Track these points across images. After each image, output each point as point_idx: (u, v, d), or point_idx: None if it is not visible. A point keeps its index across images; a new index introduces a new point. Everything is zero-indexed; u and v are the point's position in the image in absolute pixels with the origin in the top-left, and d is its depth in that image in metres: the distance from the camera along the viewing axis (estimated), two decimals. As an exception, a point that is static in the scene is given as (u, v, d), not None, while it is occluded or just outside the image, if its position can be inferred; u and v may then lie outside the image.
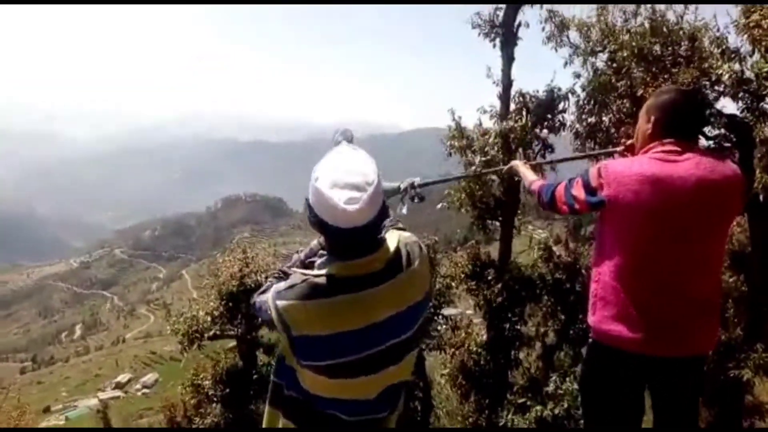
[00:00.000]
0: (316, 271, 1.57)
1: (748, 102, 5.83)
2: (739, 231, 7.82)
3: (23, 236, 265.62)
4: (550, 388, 7.66)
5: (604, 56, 7.25)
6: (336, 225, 1.45)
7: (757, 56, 5.58)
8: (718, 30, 6.02)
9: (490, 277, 8.66)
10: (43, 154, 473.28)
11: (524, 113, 8.17)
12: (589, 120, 7.63)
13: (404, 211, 2.43)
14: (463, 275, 8.86)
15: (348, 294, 1.51)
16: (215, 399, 9.58)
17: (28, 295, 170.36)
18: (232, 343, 9.89)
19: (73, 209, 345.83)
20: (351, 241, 1.51)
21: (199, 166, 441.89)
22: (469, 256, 8.99)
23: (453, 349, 8.99)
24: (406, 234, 1.72)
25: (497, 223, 9.01)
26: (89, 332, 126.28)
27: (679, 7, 6.39)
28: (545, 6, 8.03)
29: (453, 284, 9.04)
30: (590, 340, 2.47)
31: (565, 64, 7.80)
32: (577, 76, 7.67)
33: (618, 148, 2.90)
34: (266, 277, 6.65)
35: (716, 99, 6.01)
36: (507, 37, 8.36)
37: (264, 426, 1.82)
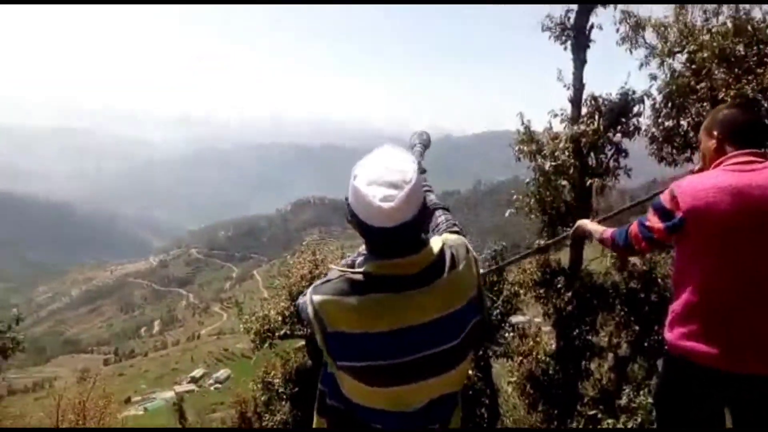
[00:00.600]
0: (354, 269, 1.55)
1: None
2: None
3: (107, 236, 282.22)
4: (623, 401, 7.40)
5: (682, 57, 6.98)
6: (372, 223, 1.44)
7: None
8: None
9: (560, 285, 8.48)
10: (127, 158, 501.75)
11: (596, 117, 7.97)
12: (666, 124, 7.36)
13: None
14: (531, 282, 8.72)
15: (382, 293, 1.48)
16: (285, 397, 9.85)
17: (111, 291, 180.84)
18: (301, 342, 10.14)
19: (153, 210, 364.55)
20: (388, 240, 1.47)
21: (270, 170, 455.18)
22: (538, 263, 8.83)
23: (521, 358, 8.86)
24: (453, 237, 1.66)
25: (568, 229, 8.81)
26: (166, 328, 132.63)
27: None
28: (620, 6, 7.82)
29: (521, 291, 8.91)
30: (666, 355, 2.41)
31: (641, 65, 7.57)
32: (654, 78, 7.42)
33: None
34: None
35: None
36: (579, 39, 8.18)
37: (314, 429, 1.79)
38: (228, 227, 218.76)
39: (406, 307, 1.48)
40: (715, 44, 6.18)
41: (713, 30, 6.35)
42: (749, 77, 5.83)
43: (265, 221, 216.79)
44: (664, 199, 2.20)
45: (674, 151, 7.20)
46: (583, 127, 7.86)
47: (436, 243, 1.56)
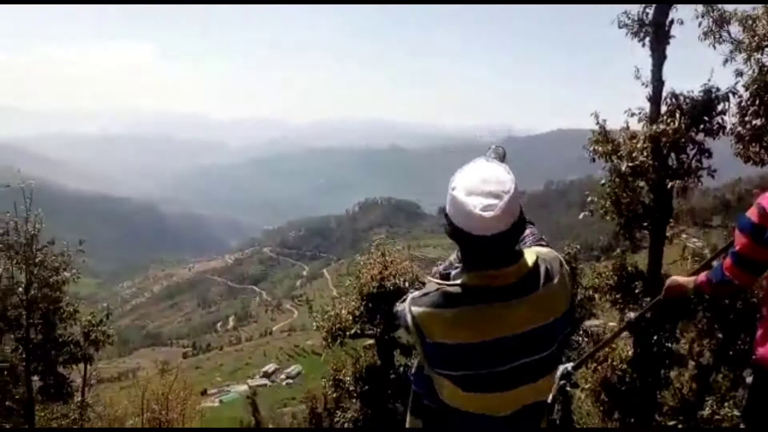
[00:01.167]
0: (450, 281, 1.60)
1: None
2: None
3: (187, 234, 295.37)
4: (706, 412, 7.10)
5: (773, 51, 6.59)
6: (472, 232, 1.47)
7: None
8: None
9: (637, 290, 8.18)
10: (204, 160, 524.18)
11: (677, 115, 7.64)
12: (754, 122, 6.98)
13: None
14: (607, 287, 8.46)
15: (480, 305, 1.52)
16: (355, 395, 10.03)
17: (190, 287, 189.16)
18: (370, 341, 10.29)
19: (228, 211, 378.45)
20: (486, 250, 1.51)
21: (339, 171, 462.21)
22: (614, 267, 8.56)
23: (595, 364, 8.62)
24: (546, 250, 1.69)
25: (645, 232, 8.49)
26: (241, 323, 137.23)
27: None
28: (702, -1, 7.47)
29: (596, 296, 8.67)
30: (759, 370, 2.32)
31: (725, 61, 7.21)
32: (740, 74, 7.06)
33: None
34: (404, 281, 6.89)
35: None
36: (658, 35, 7.86)
37: (408, 429, 1.88)
38: (299, 227, 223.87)
39: (501, 318, 1.53)
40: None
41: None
42: None
43: (333, 221, 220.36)
44: (752, 216, 2.13)
45: (762, 150, 6.81)
46: (662, 126, 7.55)
47: (530, 255, 1.60)
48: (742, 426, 2.85)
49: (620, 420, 8.35)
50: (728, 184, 28.91)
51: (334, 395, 11.36)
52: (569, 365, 2.15)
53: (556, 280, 1.59)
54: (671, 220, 8.40)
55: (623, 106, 8.22)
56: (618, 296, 8.39)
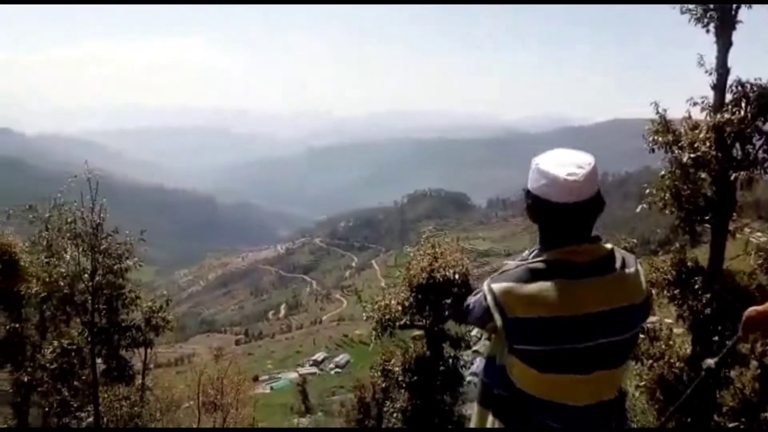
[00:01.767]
0: (530, 260, 1.67)
1: None
2: None
3: (241, 224, 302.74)
4: (770, 414, 6.80)
5: None
6: (557, 200, 1.57)
7: None
8: None
9: (697, 286, 7.89)
10: (256, 152, 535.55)
11: (743, 104, 7.31)
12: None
13: None
14: (665, 281, 8.19)
15: (561, 279, 1.58)
16: (404, 385, 10.08)
17: (243, 276, 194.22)
18: (419, 332, 10.31)
19: (279, 201, 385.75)
20: (568, 222, 1.60)
21: (389, 163, 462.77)
22: (673, 261, 8.27)
23: (651, 361, 8.38)
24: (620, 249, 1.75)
25: (706, 225, 8.16)
26: (291, 312, 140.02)
27: None
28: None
29: (653, 291, 8.41)
30: None
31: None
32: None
33: None
34: (454, 273, 6.88)
35: None
36: (724, 20, 7.52)
37: (473, 425, 1.89)
38: (348, 218, 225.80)
39: (581, 294, 1.59)
40: None
41: None
42: None
43: (382, 213, 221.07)
44: None
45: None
46: (727, 115, 7.24)
47: (606, 244, 1.68)
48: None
49: (676, 419, 8.10)
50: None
51: (383, 385, 11.46)
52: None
53: (631, 270, 1.66)
54: (734, 213, 8.04)
55: (684, 95, 7.90)
56: (677, 291, 8.11)
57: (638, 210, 8.68)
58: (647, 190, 8.24)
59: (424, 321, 9.82)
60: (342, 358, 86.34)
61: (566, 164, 1.58)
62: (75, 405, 11.05)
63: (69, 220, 9.77)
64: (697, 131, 7.50)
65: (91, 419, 10.68)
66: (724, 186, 7.69)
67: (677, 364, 8.13)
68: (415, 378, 9.80)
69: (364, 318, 10.42)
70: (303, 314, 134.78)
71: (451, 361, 9.95)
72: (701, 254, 8.52)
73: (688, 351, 8.22)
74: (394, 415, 10.18)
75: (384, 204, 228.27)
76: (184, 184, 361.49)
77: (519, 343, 1.63)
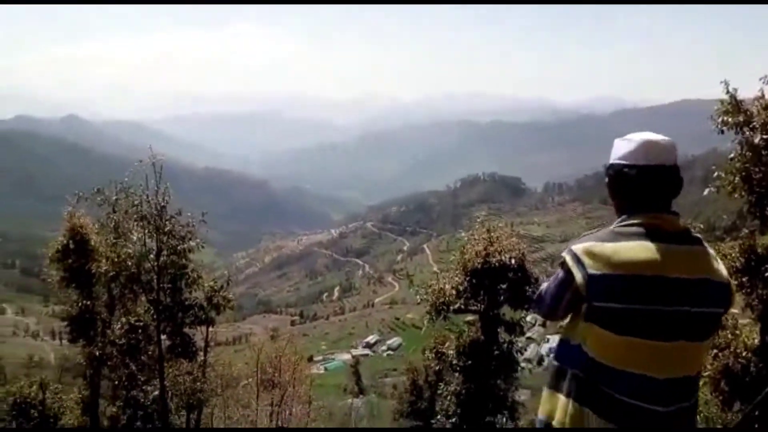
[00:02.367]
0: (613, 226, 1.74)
1: None
2: None
3: (295, 209, 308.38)
4: None
5: None
6: (645, 162, 1.66)
7: None
8: None
9: (767, 274, 7.52)
10: (311, 138, 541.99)
11: (822, 82, 6.85)
12: None
13: None
14: (733, 269, 7.83)
15: (644, 240, 1.62)
16: (457, 369, 10.10)
17: (298, 258, 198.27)
18: (472, 317, 10.27)
19: (333, 186, 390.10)
20: (653, 187, 1.67)
21: (441, 147, 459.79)
22: (742, 248, 7.89)
23: (716, 350, 8.07)
24: None
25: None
26: (345, 295, 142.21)
27: None
28: None
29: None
30: None
31: None
32: None
33: None
34: (510, 258, 6.86)
35: None
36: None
37: (541, 410, 1.82)
38: (401, 203, 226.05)
39: (667, 257, 1.61)
40: None
41: None
42: None
43: (435, 197, 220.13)
44: None
45: None
46: (804, 93, 6.82)
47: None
48: None
49: (741, 411, 7.80)
50: None
51: (437, 367, 11.51)
52: None
53: (709, 248, 1.72)
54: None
55: (754, 74, 7.48)
56: (745, 279, 7.75)
57: (705, 193, 8.32)
58: (716, 173, 7.88)
59: (478, 305, 9.77)
60: (394, 341, 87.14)
61: (650, 135, 1.71)
62: (142, 379, 11.63)
63: (135, 202, 10.21)
64: (771, 111, 7.10)
65: (156, 392, 11.23)
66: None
67: (744, 354, 7.80)
68: (470, 362, 9.79)
69: (418, 301, 10.45)
70: (356, 297, 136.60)
71: (505, 346, 9.89)
72: (773, 241, 8.12)
73: (756, 341, 7.87)
74: (448, 398, 10.20)
75: (437, 188, 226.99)
76: (240, 167, 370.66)
77: (600, 300, 1.61)
